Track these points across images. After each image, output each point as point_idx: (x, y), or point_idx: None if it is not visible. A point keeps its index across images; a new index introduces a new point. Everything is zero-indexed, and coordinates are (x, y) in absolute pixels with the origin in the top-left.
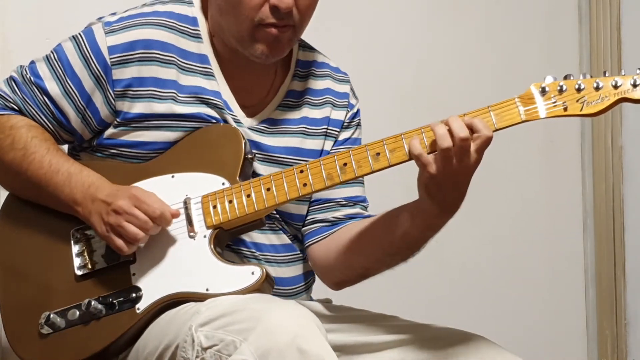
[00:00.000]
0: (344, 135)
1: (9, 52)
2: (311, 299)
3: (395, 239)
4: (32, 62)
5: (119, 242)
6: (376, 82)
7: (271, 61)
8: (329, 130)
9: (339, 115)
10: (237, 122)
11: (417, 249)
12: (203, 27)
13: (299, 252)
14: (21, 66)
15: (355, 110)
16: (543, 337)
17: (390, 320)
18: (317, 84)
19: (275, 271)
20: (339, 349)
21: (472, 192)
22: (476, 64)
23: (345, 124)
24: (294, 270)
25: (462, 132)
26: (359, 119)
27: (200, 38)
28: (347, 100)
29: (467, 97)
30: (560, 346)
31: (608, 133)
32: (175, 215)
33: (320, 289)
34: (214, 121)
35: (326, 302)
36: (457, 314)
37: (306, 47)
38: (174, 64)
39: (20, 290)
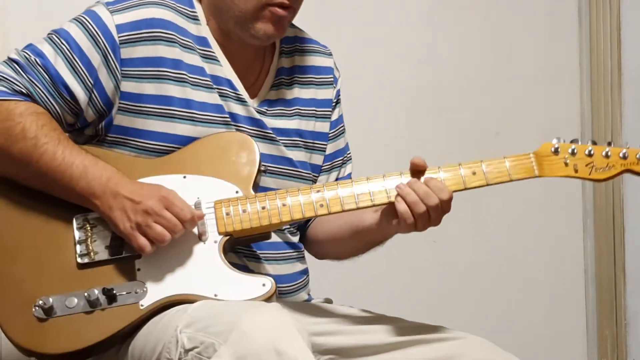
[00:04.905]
0: (335, 115)
1: (9, 52)
2: (311, 299)
3: (362, 245)
4: (31, 45)
5: (143, 241)
6: (376, 82)
7: (270, 42)
8: (318, 112)
9: (327, 94)
10: (244, 101)
11: (383, 243)
12: (199, 10)
13: (296, 250)
14: (17, 49)
15: (339, 86)
16: (543, 337)
17: (390, 321)
18: (302, 60)
19: (274, 269)
20: (339, 351)
21: (472, 192)
22: (476, 64)
23: (333, 102)
24: (293, 267)
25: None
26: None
27: (198, 20)
28: (332, 75)
29: (467, 97)
30: (560, 346)
31: (608, 133)
32: (200, 217)
33: (320, 289)
34: (220, 115)
35: (326, 303)
36: (457, 314)
37: None
38: (176, 42)
39: (12, 270)
